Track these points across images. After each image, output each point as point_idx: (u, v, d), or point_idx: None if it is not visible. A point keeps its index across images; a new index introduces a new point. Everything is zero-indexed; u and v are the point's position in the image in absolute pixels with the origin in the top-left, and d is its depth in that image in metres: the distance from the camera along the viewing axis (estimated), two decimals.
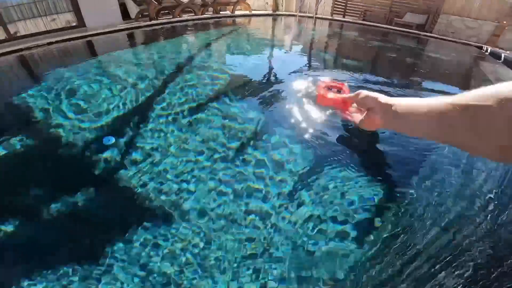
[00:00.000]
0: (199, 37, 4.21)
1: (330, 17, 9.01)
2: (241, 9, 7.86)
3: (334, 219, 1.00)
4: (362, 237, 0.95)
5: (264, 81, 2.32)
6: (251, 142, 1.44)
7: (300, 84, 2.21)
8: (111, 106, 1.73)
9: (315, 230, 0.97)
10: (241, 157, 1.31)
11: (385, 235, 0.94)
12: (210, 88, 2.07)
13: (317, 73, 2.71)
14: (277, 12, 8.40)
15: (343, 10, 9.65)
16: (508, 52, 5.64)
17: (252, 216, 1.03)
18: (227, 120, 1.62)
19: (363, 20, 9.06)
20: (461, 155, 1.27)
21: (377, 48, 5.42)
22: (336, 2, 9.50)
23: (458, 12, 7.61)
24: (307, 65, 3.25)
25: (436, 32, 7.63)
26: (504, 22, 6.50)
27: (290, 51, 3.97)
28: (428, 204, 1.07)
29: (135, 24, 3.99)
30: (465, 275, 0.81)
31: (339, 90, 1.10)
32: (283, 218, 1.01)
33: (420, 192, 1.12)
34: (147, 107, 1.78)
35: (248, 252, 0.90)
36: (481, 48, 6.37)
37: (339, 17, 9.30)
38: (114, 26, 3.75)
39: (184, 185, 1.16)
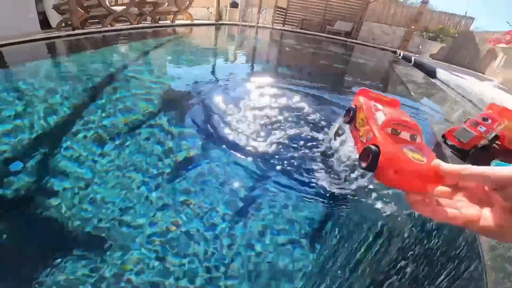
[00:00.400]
0: (133, 48, 4.06)
1: (271, 26, 9.55)
2: (183, 19, 7.83)
3: (278, 234, 1.00)
4: (307, 249, 0.96)
5: (205, 92, 2.28)
6: (190, 159, 1.34)
7: (244, 93, 2.25)
8: (21, 125, 1.50)
9: (264, 245, 0.95)
10: (179, 176, 1.21)
11: (329, 245, 0.98)
12: (143, 103, 1.93)
13: (261, 81, 2.81)
14: (220, 22, 8.59)
15: (283, 19, 10.30)
16: (417, 55, 6.72)
17: (195, 236, 0.96)
18: (161, 137, 1.50)
19: (301, 28, 9.82)
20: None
21: (311, 54, 5.93)
22: (276, 13, 10.10)
23: (377, 19, 8.77)
24: (250, 72, 3.38)
25: (360, 39, 8.66)
26: (412, 27, 7.70)
27: (234, 59, 4.08)
28: (365, 211, 1.12)
29: (55, 33, 3.66)
30: (403, 279, 0.84)
31: (413, 135, 0.49)
32: (230, 235, 0.98)
33: (356, 199, 1.16)
34: (66, 125, 1.58)
35: (197, 272, 0.85)
36: (395, 52, 7.45)
37: (279, 26, 9.91)
38: (29, 35, 3.39)
39: (115, 210, 1.03)
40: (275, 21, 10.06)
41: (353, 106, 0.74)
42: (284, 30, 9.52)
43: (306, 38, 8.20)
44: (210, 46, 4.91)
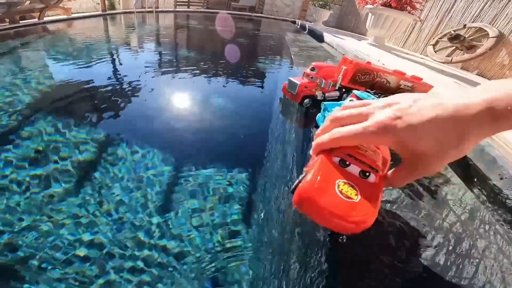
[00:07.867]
0: None
1: (172, 9, 8.84)
2: (59, 14, 6.61)
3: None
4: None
5: (102, 91, 1.94)
6: (95, 163, 1.18)
7: (146, 87, 1.98)
8: None
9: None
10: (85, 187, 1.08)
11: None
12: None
13: (168, 70, 2.50)
14: (108, 12, 7.54)
15: (187, 1, 9.63)
16: (312, 23, 7.12)
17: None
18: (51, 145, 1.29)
19: (207, 8, 9.38)
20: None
21: (219, 31, 5.73)
22: None
23: None
24: (155, 61, 2.97)
25: (265, 12, 8.75)
26: None
27: (130, 49, 3.60)
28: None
29: None
30: None
31: (365, 172, 0.42)
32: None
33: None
34: None
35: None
36: (294, 22, 7.79)
37: (184, 8, 9.27)
38: None
39: None
40: (178, 3, 9.35)
41: None
42: (190, 11, 8.95)
43: (213, 16, 7.88)
44: (105, 39, 4.23)
